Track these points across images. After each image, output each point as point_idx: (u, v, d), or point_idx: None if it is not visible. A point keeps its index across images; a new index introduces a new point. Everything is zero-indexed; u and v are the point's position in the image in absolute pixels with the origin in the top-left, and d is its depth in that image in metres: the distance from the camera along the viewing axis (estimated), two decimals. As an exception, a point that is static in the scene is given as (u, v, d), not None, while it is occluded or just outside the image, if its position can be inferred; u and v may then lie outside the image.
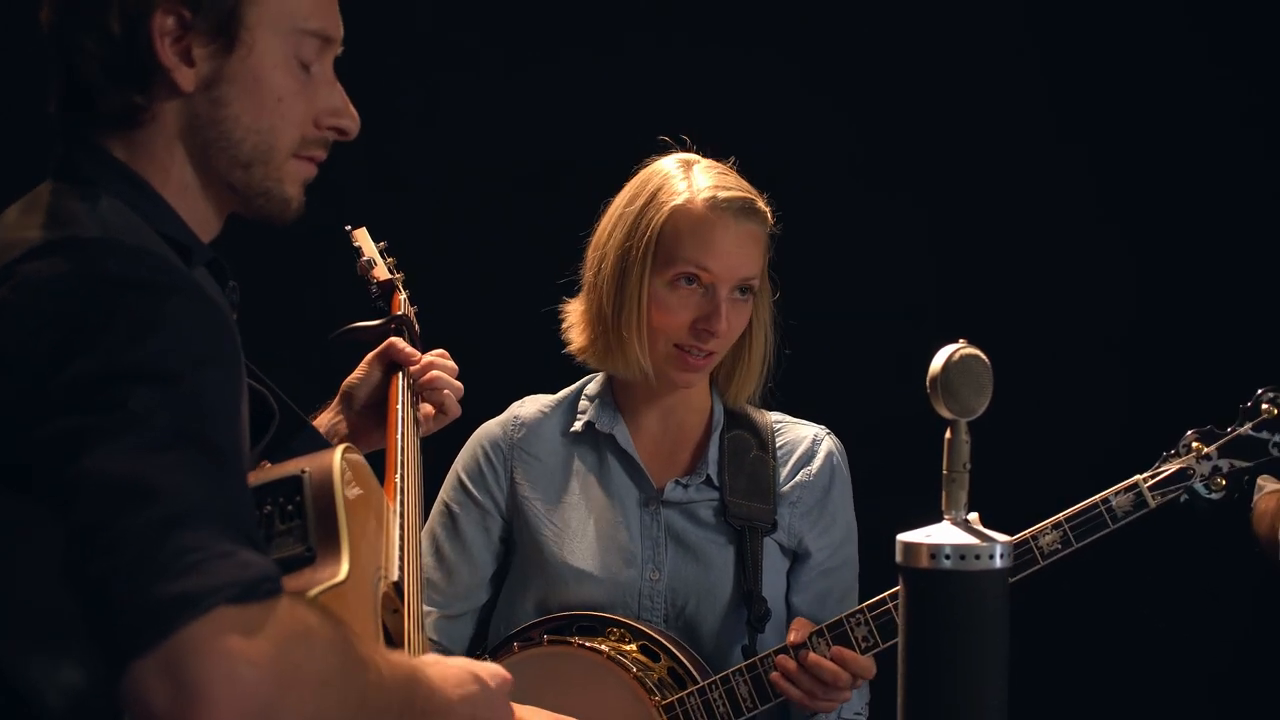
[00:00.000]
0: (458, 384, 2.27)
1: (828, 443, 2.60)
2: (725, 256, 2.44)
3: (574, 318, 2.58)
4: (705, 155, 2.55)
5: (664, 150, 2.55)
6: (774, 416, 2.62)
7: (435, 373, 2.25)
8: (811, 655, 2.38)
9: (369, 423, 2.20)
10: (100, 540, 1.26)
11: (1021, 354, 2.41)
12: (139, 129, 1.56)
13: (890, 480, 2.77)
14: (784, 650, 2.40)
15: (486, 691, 1.57)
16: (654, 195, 2.48)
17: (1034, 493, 2.46)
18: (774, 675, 2.40)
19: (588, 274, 2.55)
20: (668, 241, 2.45)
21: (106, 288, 1.38)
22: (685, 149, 2.56)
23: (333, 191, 1.83)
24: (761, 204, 2.50)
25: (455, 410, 2.27)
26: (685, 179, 2.48)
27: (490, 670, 1.61)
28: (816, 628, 2.41)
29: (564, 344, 2.58)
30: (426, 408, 2.25)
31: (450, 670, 1.56)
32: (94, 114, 1.56)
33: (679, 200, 2.46)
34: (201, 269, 1.61)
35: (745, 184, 2.52)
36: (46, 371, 1.34)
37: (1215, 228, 3.69)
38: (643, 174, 2.54)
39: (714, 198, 2.45)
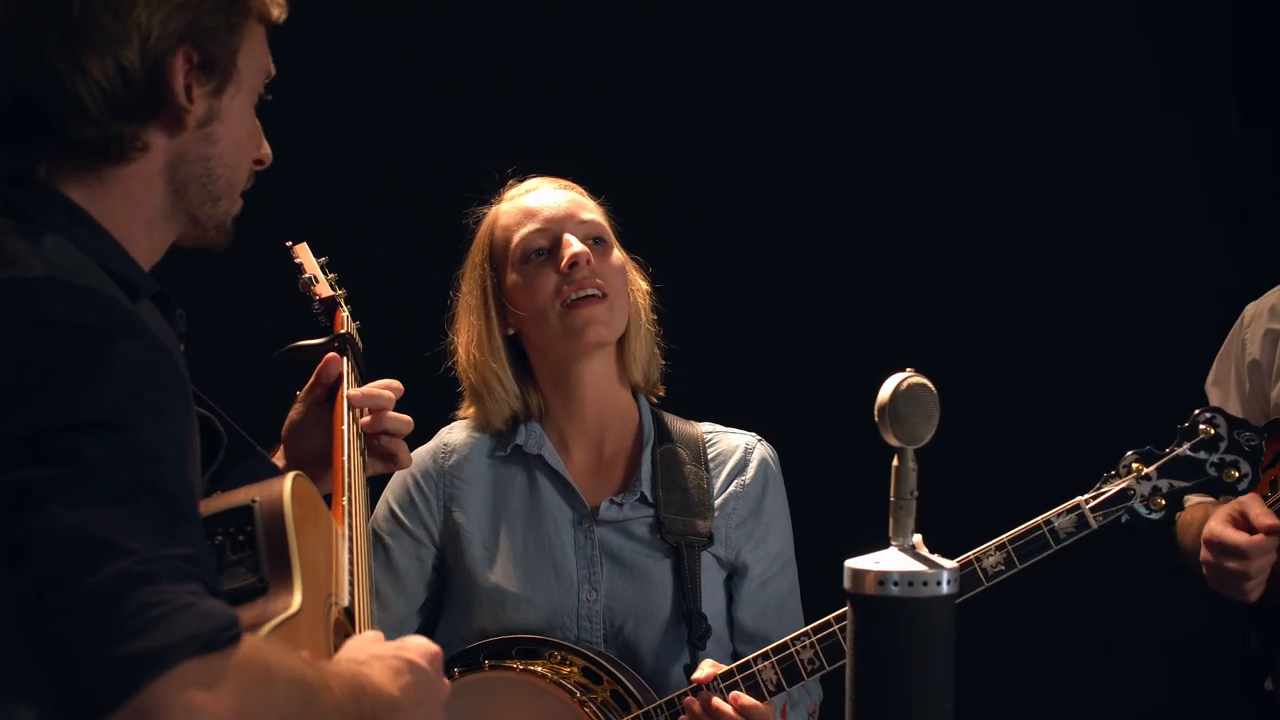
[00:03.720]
0: (405, 418, 2.17)
1: (760, 450, 2.58)
2: (548, 211, 2.50)
3: (466, 404, 2.59)
4: None
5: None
6: (705, 427, 2.61)
7: (377, 419, 2.13)
8: (714, 700, 2.35)
9: (314, 471, 2.14)
10: (60, 599, 1.27)
11: (957, 375, 2.42)
12: (116, 163, 1.56)
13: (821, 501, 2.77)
14: (695, 690, 2.37)
15: (423, 675, 1.60)
16: (477, 227, 2.57)
17: (972, 514, 2.47)
18: (682, 718, 2.37)
19: (459, 353, 2.56)
20: (498, 241, 2.52)
21: (51, 332, 1.38)
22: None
23: (273, 209, 1.84)
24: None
25: (406, 461, 2.20)
26: (499, 199, 2.58)
27: (420, 650, 1.62)
28: (726, 669, 2.37)
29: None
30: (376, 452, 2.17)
31: (388, 664, 1.57)
32: (52, 144, 1.55)
33: (494, 207, 2.56)
34: (147, 302, 1.60)
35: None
36: None
37: (1157, 247, 3.71)
38: None
39: (519, 184, 2.57)
